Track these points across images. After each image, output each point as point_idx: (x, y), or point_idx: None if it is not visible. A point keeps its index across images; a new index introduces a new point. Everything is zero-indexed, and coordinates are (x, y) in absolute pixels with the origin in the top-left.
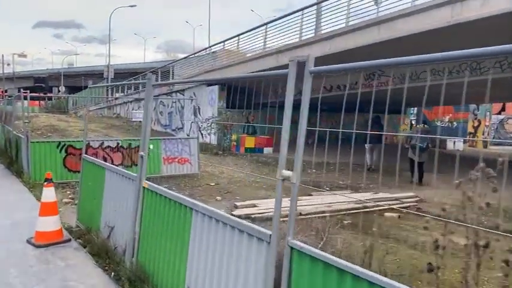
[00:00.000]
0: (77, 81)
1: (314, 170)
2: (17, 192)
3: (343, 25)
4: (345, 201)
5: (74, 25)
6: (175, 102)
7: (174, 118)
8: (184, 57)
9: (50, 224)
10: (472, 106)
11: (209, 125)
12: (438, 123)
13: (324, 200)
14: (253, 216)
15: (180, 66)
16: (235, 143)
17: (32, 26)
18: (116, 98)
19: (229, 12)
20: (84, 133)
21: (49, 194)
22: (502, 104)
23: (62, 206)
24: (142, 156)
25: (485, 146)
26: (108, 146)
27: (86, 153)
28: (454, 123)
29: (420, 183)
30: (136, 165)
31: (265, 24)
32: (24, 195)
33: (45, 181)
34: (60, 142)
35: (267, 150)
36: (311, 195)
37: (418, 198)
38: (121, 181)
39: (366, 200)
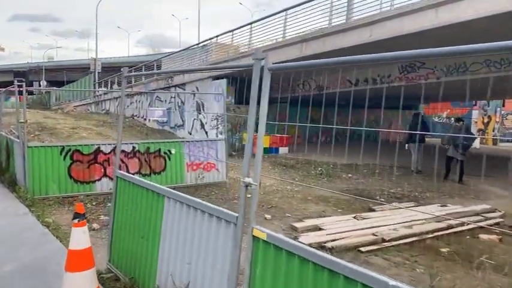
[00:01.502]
0: (58, 75)
1: (349, 175)
2: (13, 214)
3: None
4: (420, 219)
5: (52, 18)
6: (173, 97)
7: (173, 114)
8: (180, 50)
9: (85, 283)
10: (483, 102)
11: (219, 122)
12: (436, 119)
13: (393, 217)
14: (329, 245)
15: (170, 61)
16: (245, 142)
17: (7, 20)
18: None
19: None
20: (117, 137)
21: (81, 237)
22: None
23: None
24: (247, 185)
25: (494, 143)
26: (123, 151)
27: (95, 160)
28: (452, 119)
29: (461, 182)
30: (156, 173)
31: (286, 10)
32: (23, 219)
33: (74, 218)
34: (64, 147)
35: (283, 150)
36: (373, 210)
37: (501, 213)
38: (198, 219)
39: (445, 216)
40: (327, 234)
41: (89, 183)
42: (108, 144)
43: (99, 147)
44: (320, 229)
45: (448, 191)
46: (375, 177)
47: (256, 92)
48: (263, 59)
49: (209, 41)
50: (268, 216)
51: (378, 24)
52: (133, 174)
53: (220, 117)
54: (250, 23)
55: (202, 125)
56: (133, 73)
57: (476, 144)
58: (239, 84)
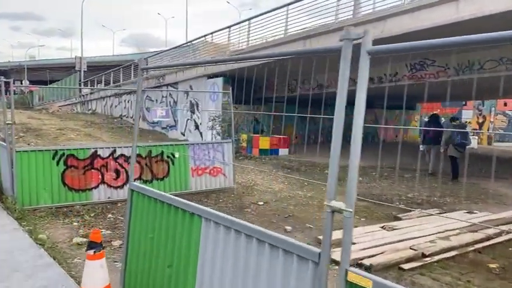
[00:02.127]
0: (41, 74)
1: (360, 179)
2: (0, 230)
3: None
4: (453, 228)
5: (33, 17)
6: (165, 96)
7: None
8: (170, 49)
9: None
10: (477, 102)
11: (216, 122)
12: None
13: (424, 226)
14: (367, 263)
15: (159, 59)
16: (244, 144)
17: None
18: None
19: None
20: (133, 139)
21: (98, 273)
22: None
23: (73, 249)
24: (335, 211)
25: (489, 143)
26: (122, 155)
27: (92, 165)
28: (442, 118)
29: (456, 179)
30: (159, 179)
31: (287, 5)
32: (13, 236)
33: (88, 248)
34: (57, 151)
35: (283, 151)
36: (399, 218)
37: None
38: (253, 250)
39: (482, 224)
40: (360, 250)
41: (85, 192)
42: (106, 147)
43: (96, 151)
44: (353, 243)
45: (468, 195)
46: (387, 180)
47: (346, 81)
48: (360, 38)
49: (202, 39)
50: (288, 228)
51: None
52: (134, 180)
53: (218, 117)
54: (248, 19)
55: (197, 126)
56: (150, 65)
57: (474, 144)
58: (237, 83)
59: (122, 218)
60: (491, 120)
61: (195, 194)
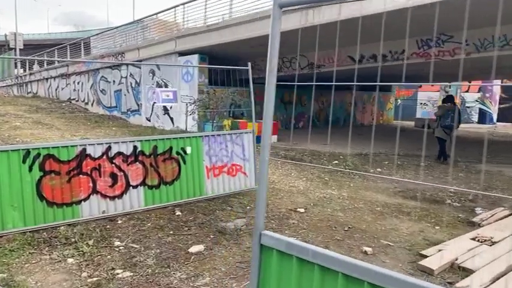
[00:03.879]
0: None
1: (379, 169)
2: None
3: None
4: None
5: None
6: (125, 77)
7: (125, 98)
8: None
9: None
10: (444, 83)
11: (195, 107)
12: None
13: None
14: None
15: (100, 39)
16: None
17: None
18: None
19: None
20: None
21: None
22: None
23: None
24: None
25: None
26: (120, 154)
27: (79, 169)
28: (398, 100)
29: (444, 162)
30: (168, 183)
31: None
32: None
33: None
34: (29, 150)
35: (272, 138)
36: (472, 223)
37: None
38: None
39: None
40: (492, 282)
41: (71, 206)
42: (98, 143)
43: (84, 150)
44: (463, 268)
45: (502, 185)
46: (405, 170)
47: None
48: None
49: (149, 18)
50: (368, 250)
51: None
52: (136, 186)
53: (197, 101)
54: None
55: (166, 110)
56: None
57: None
58: (214, 62)
59: (136, 246)
60: (456, 101)
61: (212, 199)
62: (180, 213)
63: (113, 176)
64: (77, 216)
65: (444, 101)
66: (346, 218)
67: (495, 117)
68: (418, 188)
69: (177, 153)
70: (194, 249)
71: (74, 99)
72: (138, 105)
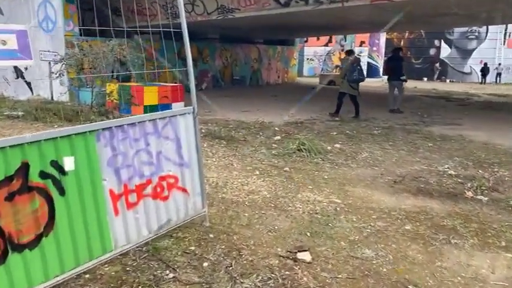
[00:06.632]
0: None
1: (339, 144)
2: None
3: None
4: None
5: None
6: None
7: None
8: None
9: None
10: (339, 37)
11: (63, 67)
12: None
13: None
14: None
15: None
16: (115, 100)
17: None
18: None
19: None
20: None
21: None
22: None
23: None
24: None
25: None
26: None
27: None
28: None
29: (357, 116)
30: (25, 248)
31: None
32: None
33: None
34: None
35: (177, 106)
36: None
37: None
38: None
39: None
40: None
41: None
42: None
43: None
44: None
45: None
46: (364, 143)
47: None
48: None
49: None
50: None
51: None
52: None
53: (66, 59)
54: None
55: (20, 73)
56: None
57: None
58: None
59: None
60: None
61: (128, 255)
62: None
63: None
64: None
65: (348, 54)
66: (380, 259)
67: (381, 71)
68: (410, 172)
69: (43, 175)
70: None
71: None
72: None
